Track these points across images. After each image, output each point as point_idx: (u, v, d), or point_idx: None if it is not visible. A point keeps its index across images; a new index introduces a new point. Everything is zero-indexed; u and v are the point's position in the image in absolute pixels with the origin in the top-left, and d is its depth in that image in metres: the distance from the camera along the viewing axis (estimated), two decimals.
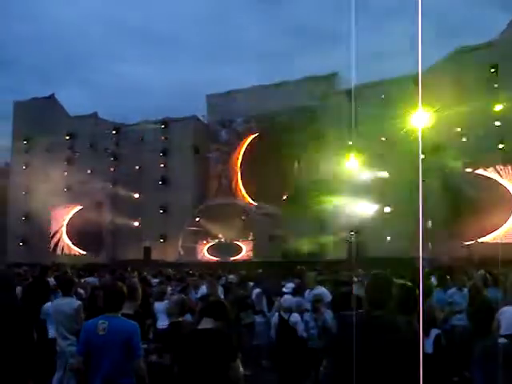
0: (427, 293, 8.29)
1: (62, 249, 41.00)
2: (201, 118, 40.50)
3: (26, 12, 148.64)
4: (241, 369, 4.75)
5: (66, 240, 41.27)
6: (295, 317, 8.17)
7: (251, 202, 36.73)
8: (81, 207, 40.70)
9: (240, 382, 4.73)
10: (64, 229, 41.27)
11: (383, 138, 30.85)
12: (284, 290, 12.45)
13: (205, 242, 34.67)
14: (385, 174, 30.74)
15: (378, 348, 3.72)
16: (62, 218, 41.34)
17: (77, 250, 40.45)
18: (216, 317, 4.85)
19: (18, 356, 6.64)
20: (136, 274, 17.51)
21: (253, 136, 37.70)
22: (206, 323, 4.83)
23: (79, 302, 7.87)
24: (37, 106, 43.10)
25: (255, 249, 32.84)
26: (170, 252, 35.84)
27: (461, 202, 27.66)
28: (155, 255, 36.23)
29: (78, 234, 40.84)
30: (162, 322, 9.54)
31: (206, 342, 4.65)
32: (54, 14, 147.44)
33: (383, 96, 31.28)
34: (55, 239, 41.30)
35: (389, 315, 3.88)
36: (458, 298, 9.58)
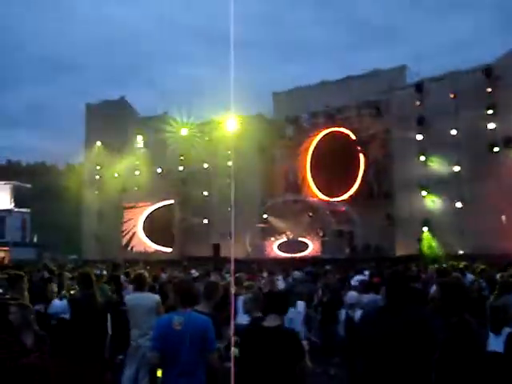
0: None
1: (132, 246, 41.94)
2: (267, 116, 40.59)
3: (94, 17, 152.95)
4: (308, 365, 4.78)
5: (137, 237, 42.19)
6: (359, 313, 8.15)
7: (319, 197, 36.54)
8: (155, 206, 41.50)
9: (305, 379, 4.81)
10: (138, 226, 42.15)
11: (454, 132, 30.09)
12: (352, 283, 12.37)
13: (272, 238, 34.75)
14: (456, 169, 30.01)
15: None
16: (134, 216, 42.31)
17: (148, 247, 41.26)
18: (280, 311, 4.93)
19: (97, 348, 6.91)
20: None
21: (323, 132, 37.37)
22: (272, 320, 4.90)
23: (157, 297, 7.99)
24: (108, 107, 44.22)
25: (323, 245, 32.69)
26: (238, 249, 36.09)
27: None
28: (224, 252, 36.61)
29: (149, 231, 41.75)
30: (241, 319, 9.64)
31: (274, 341, 4.71)
32: (120, 18, 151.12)
33: (452, 89, 30.48)
34: (127, 237, 42.31)
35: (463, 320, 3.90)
36: None
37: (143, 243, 41.87)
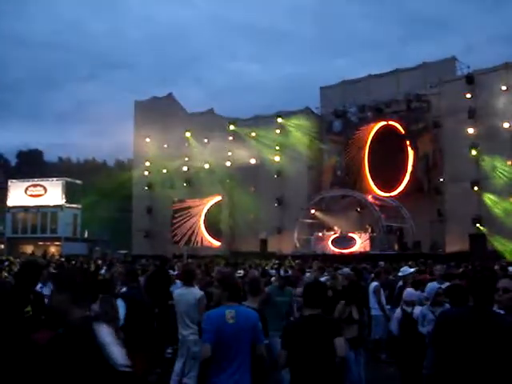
0: None
1: (181, 241, 42.27)
2: (314, 111, 40.36)
3: (144, 16, 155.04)
4: (344, 348, 4.96)
5: (194, 231, 42.23)
6: (417, 310, 7.98)
7: (375, 192, 36.04)
8: (208, 204, 41.57)
9: (344, 362, 5.07)
10: (199, 221, 42.27)
11: (506, 125, 29.34)
12: (400, 274, 12.15)
13: (320, 234, 34.48)
14: (509, 163, 29.25)
15: (489, 343, 3.61)
16: (182, 211, 42.60)
17: (207, 241, 41.26)
18: (316, 305, 5.16)
19: (144, 342, 6.94)
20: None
21: (375, 128, 36.82)
22: (310, 311, 5.17)
23: (202, 292, 8.05)
24: (156, 104, 44.70)
25: (372, 241, 32.29)
26: (285, 244, 36.06)
27: None
28: (271, 247, 36.63)
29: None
30: None
31: (314, 327, 4.99)
32: (167, 17, 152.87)
33: (504, 81, 29.72)
34: (176, 232, 42.61)
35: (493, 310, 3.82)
36: None
37: (205, 239, 41.72)
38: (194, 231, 41.52)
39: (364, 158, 37.34)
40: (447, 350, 3.73)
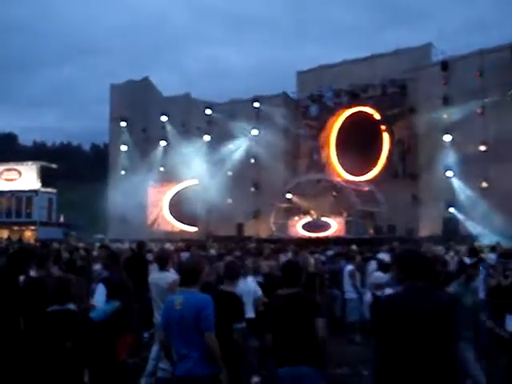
0: None
1: (158, 225, 42.24)
2: (291, 95, 40.35)
3: (119, 2, 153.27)
4: (324, 329, 5.11)
5: (163, 217, 42.42)
6: (388, 293, 8.13)
7: (343, 177, 36.34)
8: (180, 186, 41.59)
9: (325, 342, 5.15)
10: (164, 206, 42.33)
11: (479, 111, 29.69)
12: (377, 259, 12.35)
13: (296, 218, 34.64)
14: (482, 148, 29.62)
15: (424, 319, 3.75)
16: (159, 195, 42.55)
17: (174, 227, 41.45)
18: (292, 283, 5.34)
19: (126, 327, 6.98)
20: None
21: (347, 112, 37.05)
22: (287, 289, 5.36)
23: (174, 277, 8.10)
24: (132, 88, 44.35)
25: (347, 225, 32.55)
26: (262, 228, 36.23)
27: None
28: (248, 232, 36.71)
29: (174, 211, 41.95)
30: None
31: (291, 303, 5.17)
32: (144, 2, 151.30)
33: (478, 67, 30.01)
34: (152, 216, 42.60)
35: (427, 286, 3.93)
36: None
37: (169, 223, 42.13)
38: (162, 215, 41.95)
39: (330, 142, 37.63)
40: (390, 334, 3.81)
